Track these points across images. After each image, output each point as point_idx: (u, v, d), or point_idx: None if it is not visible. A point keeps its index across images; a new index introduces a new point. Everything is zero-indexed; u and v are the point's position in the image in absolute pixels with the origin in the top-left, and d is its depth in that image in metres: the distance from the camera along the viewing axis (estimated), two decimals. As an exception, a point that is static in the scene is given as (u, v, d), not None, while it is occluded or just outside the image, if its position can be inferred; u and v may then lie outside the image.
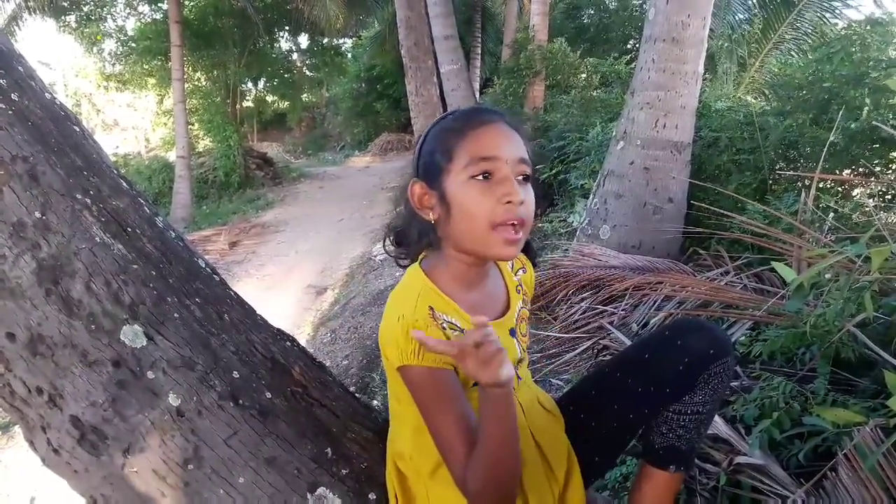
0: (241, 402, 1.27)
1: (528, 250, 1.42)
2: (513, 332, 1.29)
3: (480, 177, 1.11)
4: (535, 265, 1.46)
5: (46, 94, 1.32)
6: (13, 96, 1.20)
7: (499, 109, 1.20)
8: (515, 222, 1.10)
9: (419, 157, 1.22)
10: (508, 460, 1.05)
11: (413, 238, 1.26)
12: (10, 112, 1.18)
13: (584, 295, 3.32)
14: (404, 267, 1.30)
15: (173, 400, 1.21)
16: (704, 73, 4.33)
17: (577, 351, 2.92)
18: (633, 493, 1.45)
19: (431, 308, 1.14)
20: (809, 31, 7.90)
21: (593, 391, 1.42)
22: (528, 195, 1.12)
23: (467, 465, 1.07)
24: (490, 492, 1.06)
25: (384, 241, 1.35)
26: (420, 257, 1.27)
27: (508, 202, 1.09)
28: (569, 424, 1.40)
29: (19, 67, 1.28)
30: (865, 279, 1.85)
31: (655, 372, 1.30)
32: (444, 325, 1.15)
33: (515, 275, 1.38)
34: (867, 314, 1.68)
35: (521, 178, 1.12)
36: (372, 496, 1.37)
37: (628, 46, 13.77)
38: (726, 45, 7.51)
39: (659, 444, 1.35)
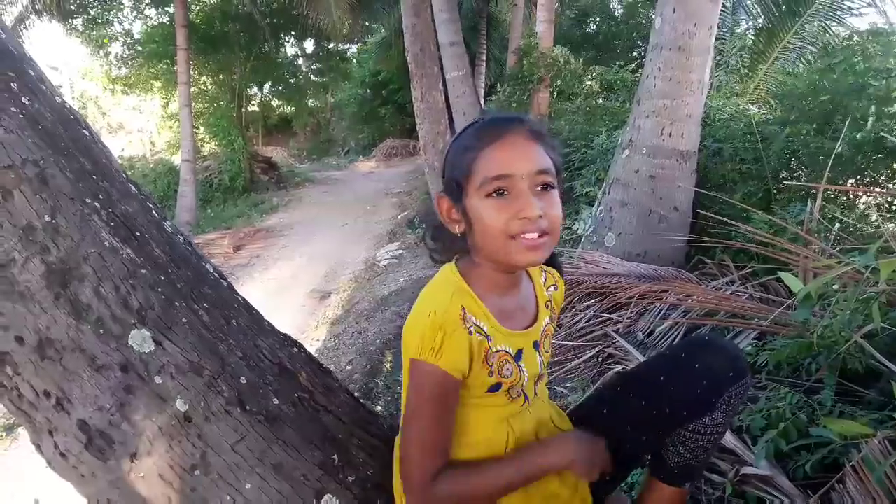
0: (248, 407, 1.27)
1: (557, 269, 1.44)
2: (536, 345, 1.29)
3: (495, 194, 1.11)
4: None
5: (56, 98, 1.32)
6: (24, 100, 1.21)
7: (520, 115, 1.19)
8: (529, 234, 1.10)
9: (443, 173, 1.23)
10: (495, 497, 1.19)
11: (446, 243, 1.28)
12: (20, 115, 1.18)
13: (588, 303, 3.31)
14: (437, 262, 1.32)
15: (181, 405, 1.21)
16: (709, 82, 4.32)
17: (582, 359, 2.91)
18: None
19: (463, 308, 1.15)
20: (814, 40, 7.89)
21: (605, 410, 1.40)
22: (549, 205, 1.12)
23: (448, 476, 1.14)
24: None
25: (423, 236, 1.36)
26: (455, 257, 1.28)
27: (524, 217, 1.09)
28: None
29: (30, 71, 1.28)
30: (873, 290, 1.85)
31: (671, 394, 1.28)
32: (472, 328, 1.15)
33: (547, 290, 1.38)
34: (875, 325, 1.68)
35: (540, 187, 1.11)
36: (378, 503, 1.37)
37: (634, 55, 13.79)
38: (734, 52, 7.51)
39: (675, 463, 1.34)
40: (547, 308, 1.36)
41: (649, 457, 1.44)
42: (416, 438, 1.16)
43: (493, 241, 1.13)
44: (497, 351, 1.20)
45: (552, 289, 1.40)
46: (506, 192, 1.11)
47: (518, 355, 1.24)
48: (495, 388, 1.21)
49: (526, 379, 1.25)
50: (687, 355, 1.30)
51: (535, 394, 1.32)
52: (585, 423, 1.41)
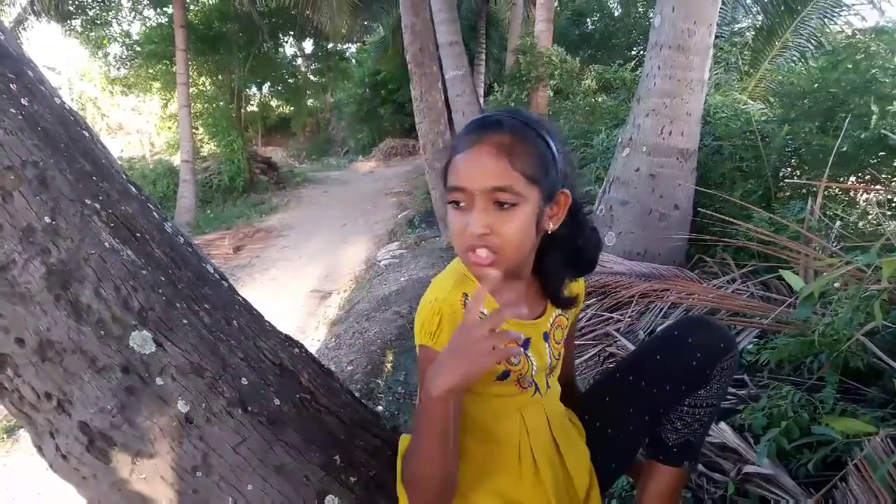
0: (249, 408, 1.27)
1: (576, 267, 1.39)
2: (546, 337, 1.29)
3: (454, 204, 1.13)
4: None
5: (56, 99, 1.32)
6: (23, 101, 1.20)
7: (502, 119, 1.15)
8: (478, 249, 1.11)
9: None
10: (438, 460, 1.09)
11: None
12: (20, 117, 1.17)
13: (589, 302, 3.31)
14: None
15: (182, 406, 1.20)
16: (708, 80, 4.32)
17: (583, 358, 2.91)
18: (642, 493, 1.43)
19: (465, 294, 1.17)
20: (813, 38, 7.90)
21: (607, 397, 1.43)
22: (502, 222, 1.09)
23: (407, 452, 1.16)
24: (417, 485, 1.15)
25: None
26: None
27: (469, 232, 1.10)
28: (585, 433, 1.40)
29: (29, 72, 1.28)
30: (874, 288, 1.84)
31: (668, 370, 1.30)
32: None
33: None
34: (876, 323, 1.68)
35: (495, 203, 1.09)
36: (380, 504, 1.37)
37: (632, 53, 13.78)
38: (733, 49, 7.50)
39: (673, 440, 1.36)
40: None
41: (648, 445, 1.44)
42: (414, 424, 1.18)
43: (456, 248, 1.16)
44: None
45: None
46: (462, 204, 1.12)
47: (526, 344, 1.24)
48: (503, 376, 1.22)
49: (535, 368, 1.25)
50: (679, 333, 1.33)
51: (548, 387, 1.32)
52: (588, 412, 1.44)
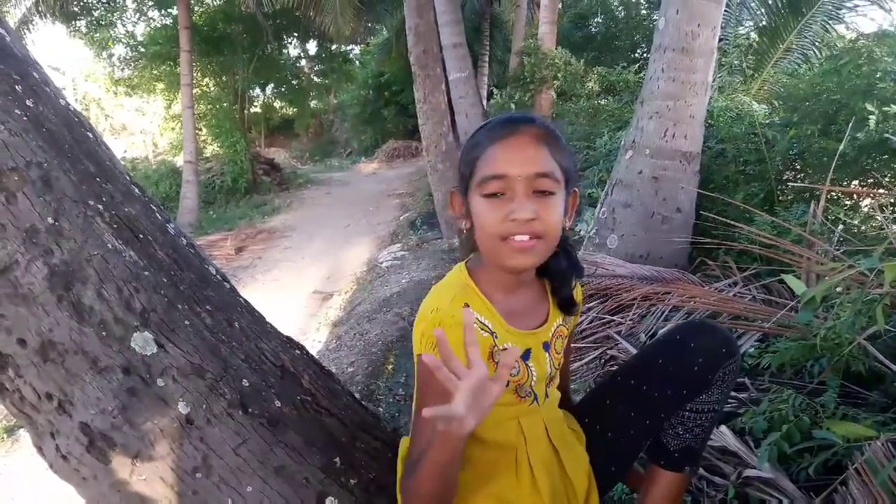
0: (250, 410, 1.27)
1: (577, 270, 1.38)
2: (546, 346, 1.29)
3: (491, 194, 1.12)
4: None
5: (61, 101, 1.32)
6: (28, 102, 1.21)
7: (533, 116, 1.17)
8: (526, 236, 1.10)
9: (458, 167, 1.23)
10: (443, 488, 1.07)
11: (464, 239, 1.28)
12: (24, 118, 1.18)
13: (591, 304, 3.30)
14: (461, 258, 1.32)
15: (183, 408, 1.21)
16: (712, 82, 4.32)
17: (584, 361, 2.91)
18: (643, 498, 1.43)
19: (467, 305, 1.15)
20: (817, 41, 7.88)
21: (608, 401, 1.43)
22: (545, 209, 1.10)
23: (410, 467, 1.11)
24: (415, 495, 1.09)
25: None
26: (470, 256, 1.29)
27: (514, 219, 1.09)
28: (586, 436, 1.40)
29: (34, 73, 1.29)
30: (876, 292, 1.84)
31: (670, 374, 1.30)
32: (475, 324, 1.15)
33: None
34: (878, 327, 1.68)
35: (538, 192, 1.10)
36: (380, 506, 1.37)
37: (636, 55, 13.78)
38: (737, 52, 7.50)
39: (675, 446, 1.35)
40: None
41: (650, 450, 1.44)
42: (413, 427, 1.17)
43: (486, 241, 1.15)
44: (503, 349, 1.19)
45: None
46: (501, 194, 1.11)
47: (526, 354, 1.24)
48: None
49: (535, 379, 1.25)
50: (681, 337, 1.33)
51: (547, 396, 1.32)
52: (589, 416, 1.43)
